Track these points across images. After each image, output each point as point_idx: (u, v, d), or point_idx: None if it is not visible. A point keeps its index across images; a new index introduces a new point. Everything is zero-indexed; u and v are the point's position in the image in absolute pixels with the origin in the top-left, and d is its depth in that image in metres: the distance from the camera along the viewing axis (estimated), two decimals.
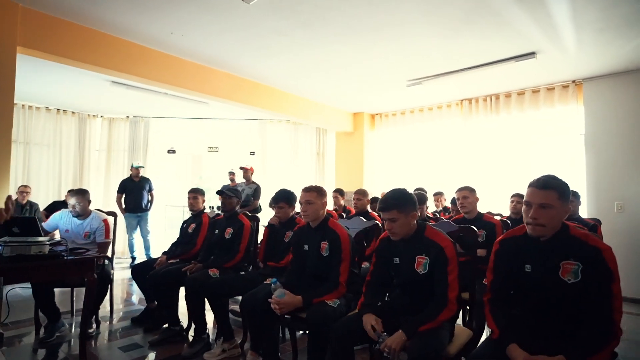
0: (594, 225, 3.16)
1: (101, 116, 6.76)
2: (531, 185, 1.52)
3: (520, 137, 5.08)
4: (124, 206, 5.95)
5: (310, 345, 1.95)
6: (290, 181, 6.77)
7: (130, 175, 6.05)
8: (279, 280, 2.27)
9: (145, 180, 6.09)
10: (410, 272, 1.83)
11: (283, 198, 2.69)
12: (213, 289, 2.58)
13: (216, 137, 7.03)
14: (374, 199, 4.53)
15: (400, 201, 1.82)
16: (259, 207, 5.52)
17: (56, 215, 3.19)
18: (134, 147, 6.75)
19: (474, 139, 5.44)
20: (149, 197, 6.09)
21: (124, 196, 5.98)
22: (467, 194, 2.91)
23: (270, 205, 3.24)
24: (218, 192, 3.15)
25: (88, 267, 2.29)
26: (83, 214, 3.13)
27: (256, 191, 5.51)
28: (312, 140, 7.10)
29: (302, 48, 3.88)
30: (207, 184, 7.51)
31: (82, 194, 3.12)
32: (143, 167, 6.07)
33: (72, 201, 3.07)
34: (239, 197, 3.17)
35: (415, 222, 1.88)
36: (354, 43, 3.73)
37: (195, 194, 3.44)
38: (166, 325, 2.95)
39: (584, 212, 4.39)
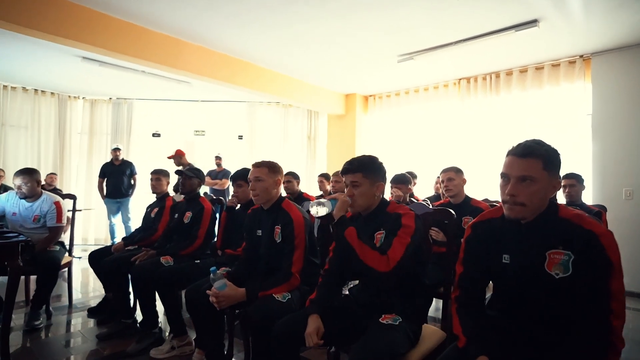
0: (598, 212, 2.81)
1: (83, 97, 6.47)
2: (510, 153, 1.20)
3: (522, 118, 4.68)
4: (105, 191, 5.71)
5: (253, 347, 1.66)
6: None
7: (111, 158, 5.78)
8: (229, 270, 1.98)
9: (127, 164, 5.82)
10: None
11: (241, 176, 2.39)
12: (161, 278, 2.30)
13: (203, 121, 6.73)
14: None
15: (368, 165, 1.54)
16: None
17: (2, 197, 2.92)
18: (117, 130, 6.47)
19: (472, 120, 5.06)
20: (131, 181, 5.83)
21: (105, 180, 5.73)
22: (453, 175, 2.58)
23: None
24: (177, 172, 2.86)
25: (9, 253, 2.01)
26: (31, 195, 2.85)
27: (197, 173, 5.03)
28: (304, 124, 6.76)
29: (289, 22, 3.56)
30: None
31: (29, 173, 2.84)
32: (120, 148, 5.77)
33: (17, 181, 2.79)
34: (200, 178, 2.87)
35: (380, 196, 1.58)
36: (342, 15, 3.39)
37: (158, 175, 3.15)
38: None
39: (589, 198, 4.04)
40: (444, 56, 4.28)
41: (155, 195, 3.19)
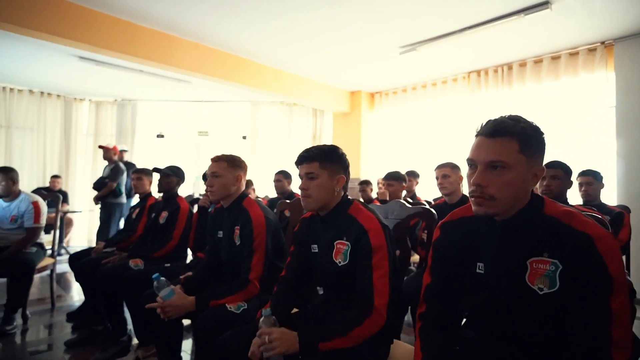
0: (619, 214, 2.48)
1: (89, 100, 6.49)
2: (478, 133, 0.95)
3: (537, 112, 4.31)
4: None
5: None
6: (283, 166, 6.28)
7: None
8: (188, 276, 1.79)
9: (130, 166, 5.76)
10: (328, 263, 1.30)
11: None
12: (127, 282, 2.13)
13: (206, 121, 6.63)
14: (365, 182, 3.98)
15: (327, 154, 1.31)
16: (116, 189, 4.62)
17: None
18: (121, 131, 6.45)
19: (483, 116, 4.66)
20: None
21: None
22: (448, 172, 2.32)
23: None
24: (154, 170, 2.71)
25: None
26: (7, 194, 2.77)
27: (112, 171, 4.61)
28: (309, 123, 6.56)
29: (286, 14, 3.42)
30: (199, 170, 7.14)
31: (4, 172, 2.75)
32: (127, 150, 5.73)
33: None
34: (179, 176, 2.70)
35: (340, 192, 1.35)
36: (340, 4, 3.20)
37: (139, 174, 3.01)
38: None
39: (612, 198, 3.66)
40: (449, 47, 4.00)
41: (138, 195, 3.06)
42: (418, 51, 4.02)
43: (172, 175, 2.66)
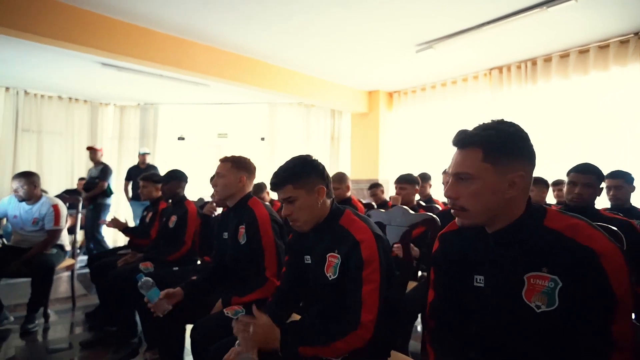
0: None
1: (114, 104, 6.71)
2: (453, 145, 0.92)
3: (564, 110, 4.11)
4: (130, 194, 5.84)
5: None
6: None
7: (138, 162, 5.91)
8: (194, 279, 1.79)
9: (152, 168, 5.90)
10: (320, 276, 1.25)
11: None
12: (136, 285, 2.16)
13: (226, 123, 6.71)
14: (375, 185, 3.89)
15: (297, 172, 1.24)
16: (107, 190, 4.86)
17: (4, 201, 2.97)
18: (143, 134, 6.63)
19: (506, 114, 4.51)
20: None
21: (130, 183, 5.87)
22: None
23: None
24: (151, 179, 2.79)
25: None
26: (29, 198, 2.87)
27: (102, 172, 4.86)
28: (327, 124, 6.52)
29: (300, 15, 3.40)
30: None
31: (25, 176, 2.86)
32: (149, 153, 5.88)
33: (14, 185, 2.82)
34: (178, 178, 2.74)
35: (326, 202, 1.29)
36: (353, 4, 3.16)
37: (145, 182, 3.10)
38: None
39: None
40: (468, 43, 3.85)
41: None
42: (435, 49, 3.90)
43: (172, 180, 2.69)
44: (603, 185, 2.02)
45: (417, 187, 2.64)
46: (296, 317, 1.50)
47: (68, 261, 3.11)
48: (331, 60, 4.57)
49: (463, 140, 0.89)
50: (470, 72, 4.84)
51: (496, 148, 0.84)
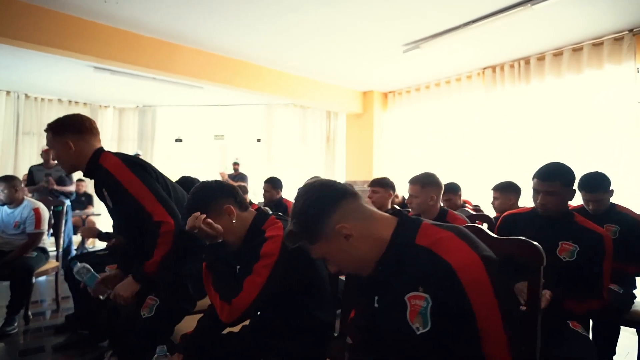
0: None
1: (113, 107, 6.80)
2: None
3: (558, 109, 3.98)
4: None
5: None
6: (297, 168, 6.28)
7: None
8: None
9: None
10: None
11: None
12: None
13: (222, 125, 6.74)
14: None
15: (199, 197, 1.28)
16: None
17: None
18: (142, 136, 6.71)
19: (500, 114, 4.43)
20: None
21: None
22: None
23: None
24: None
25: None
26: (10, 202, 2.92)
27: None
28: (322, 125, 6.49)
29: (284, 16, 3.37)
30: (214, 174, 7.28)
31: (6, 180, 2.91)
32: (140, 153, 5.94)
33: None
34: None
35: (237, 216, 1.29)
36: (337, 3, 3.12)
37: None
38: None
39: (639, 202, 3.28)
40: (458, 42, 3.76)
41: None
42: (422, 49, 3.82)
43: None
44: (575, 186, 1.84)
45: (391, 192, 2.57)
46: None
47: (51, 263, 3.15)
48: (321, 61, 4.53)
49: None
50: (463, 72, 4.74)
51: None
